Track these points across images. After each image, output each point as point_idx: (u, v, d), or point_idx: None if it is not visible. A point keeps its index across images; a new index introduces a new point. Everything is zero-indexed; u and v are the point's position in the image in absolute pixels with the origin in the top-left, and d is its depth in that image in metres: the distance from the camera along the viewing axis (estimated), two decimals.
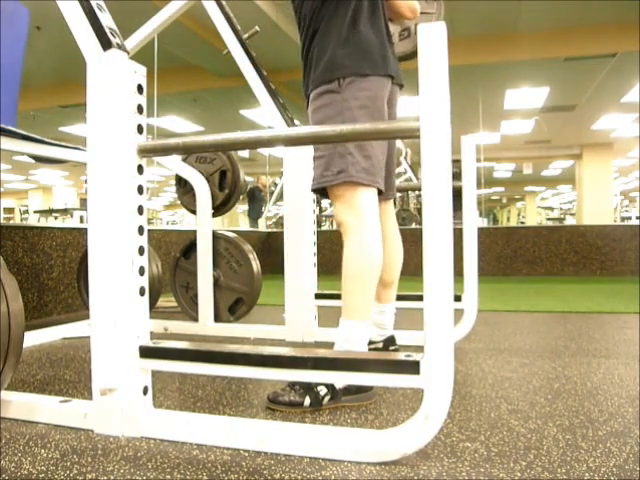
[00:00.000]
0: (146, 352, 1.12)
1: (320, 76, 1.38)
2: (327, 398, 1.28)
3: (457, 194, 1.68)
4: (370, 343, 1.71)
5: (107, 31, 1.14)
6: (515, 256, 5.12)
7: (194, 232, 2.44)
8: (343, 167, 1.33)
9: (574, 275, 4.97)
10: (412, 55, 1.71)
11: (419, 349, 0.98)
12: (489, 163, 13.89)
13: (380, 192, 1.40)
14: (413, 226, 7.19)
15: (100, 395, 1.13)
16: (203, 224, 2.41)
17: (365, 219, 1.33)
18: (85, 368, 1.72)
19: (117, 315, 1.12)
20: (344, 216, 1.35)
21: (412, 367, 0.96)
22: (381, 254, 1.34)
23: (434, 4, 1.72)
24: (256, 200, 8.58)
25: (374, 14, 1.41)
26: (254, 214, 8.57)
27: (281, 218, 8.53)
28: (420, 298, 0.97)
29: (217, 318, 2.43)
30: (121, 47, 1.15)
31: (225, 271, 2.51)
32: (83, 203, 14.45)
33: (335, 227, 7.08)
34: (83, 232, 3.01)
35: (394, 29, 1.71)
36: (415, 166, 7.33)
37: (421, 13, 1.58)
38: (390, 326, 1.71)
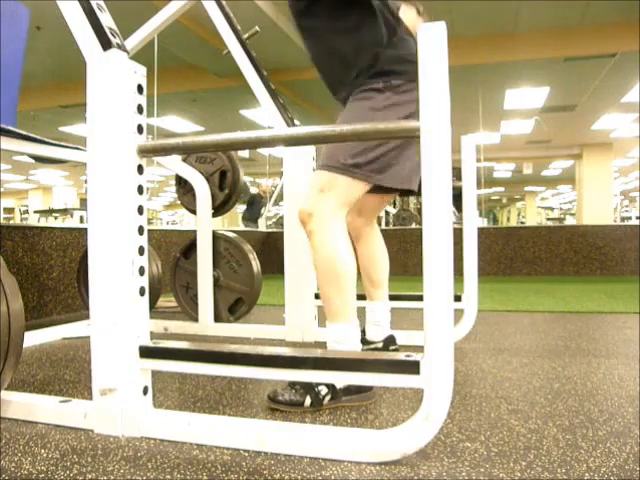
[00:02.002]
0: (146, 352, 1.12)
1: (366, 76, 1.38)
2: (328, 398, 1.28)
3: (457, 196, 1.69)
4: (370, 343, 1.71)
5: (107, 31, 1.14)
6: (515, 256, 5.12)
7: (194, 232, 2.44)
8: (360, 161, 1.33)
9: (574, 275, 4.97)
10: None
11: (419, 349, 0.98)
12: (489, 163, 13.88)
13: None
14: (413, 226, 7.19)
15: (100, 395, 1.13)
16: (203, 224, 2.41)
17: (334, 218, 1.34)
18: (85, 368, 1.72)
19: (117, 315, 1.12)
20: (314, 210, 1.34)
21: (412, 367, 0.96)
22: (351, 249, 1.34)
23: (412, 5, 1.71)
24: (255, 205, 8.61)
25: (401, 26, 1.43)
26: (249, 216, 8.58)
27: (281, 218, 8.52)
28: (420, 298, 0.97)
29: (217, 318, 2.43)
30: (121, 47, 1.15)
31: (225, 271, 2.51)
32: (83, 203, 14.44)
33: None
34: (83, 232, 3.01)
35: None
36: None
37: None
38: (387, 324, 1.71)
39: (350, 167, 1.33)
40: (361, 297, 1.79)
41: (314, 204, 1.34)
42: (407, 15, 1.50)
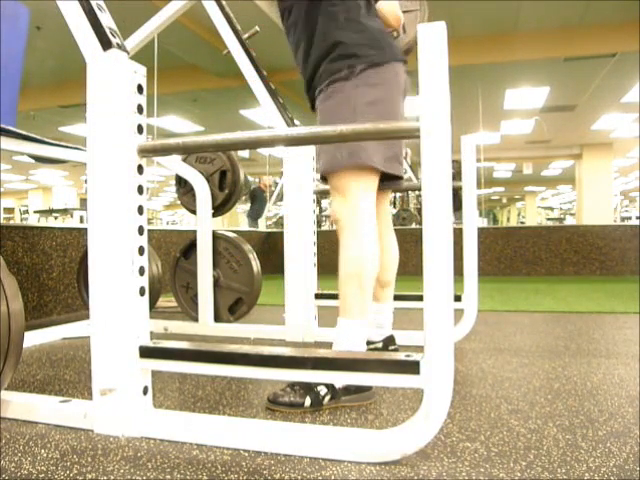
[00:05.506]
0: (146, 352, 1.12)
1: (330, 68, 1.37)
2: (327, 398, 1.28)
3: (456, 194, 1.66)
4: (370, 343, 1.71)
5: (107, 31, 1.14)
6: (515, 256, 5.12)
7: (194, 232, 2.44)
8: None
9: (574, 275, 4.97)
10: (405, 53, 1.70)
11: (419, 349, 0.98)
12: (489, 163, 13.88)
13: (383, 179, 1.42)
14: (413, 226, 7.19)
15: (100, 395, 1.13)
16: (203, 224, 2.41)
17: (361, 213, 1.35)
18: (85, 368, 1.72)
19: (117, 315, 1.12)
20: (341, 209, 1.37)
21: (412, 367, 0.96)
22: (377, 251, 1.35)
23: (417, 2, 1.70)
24: (258, 200, 8.58)
25: (370, 12, 1.42)
26: (254, 214, 8.57)
27: (281, 218, 8.52)
28: (420, 298, 0.97)
29: (217, 318, 2.43)
30: (121, 47, 1.15)
31: (225, 271, 2.51)
32: (83, 203, 14.42)
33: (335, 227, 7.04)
34: (83, 232, 3.01)
35: None
36: (415, 166, 7.33)
37: (404, 12, 1.57)
38: (389, 325, 1.71)
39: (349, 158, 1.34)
40: None
41: (338, 208, 1.38)
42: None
